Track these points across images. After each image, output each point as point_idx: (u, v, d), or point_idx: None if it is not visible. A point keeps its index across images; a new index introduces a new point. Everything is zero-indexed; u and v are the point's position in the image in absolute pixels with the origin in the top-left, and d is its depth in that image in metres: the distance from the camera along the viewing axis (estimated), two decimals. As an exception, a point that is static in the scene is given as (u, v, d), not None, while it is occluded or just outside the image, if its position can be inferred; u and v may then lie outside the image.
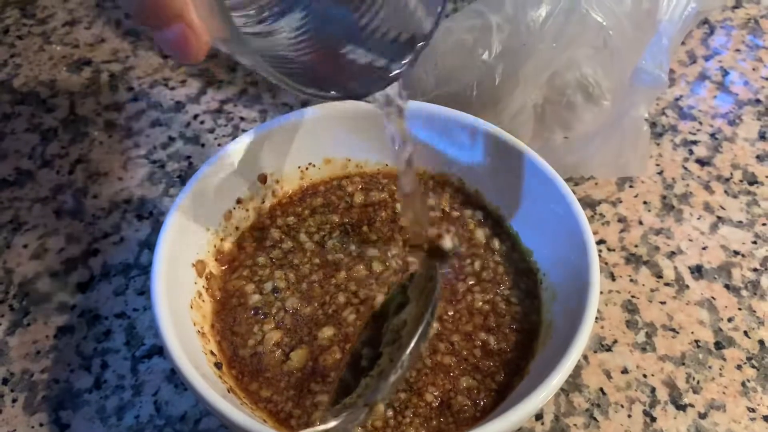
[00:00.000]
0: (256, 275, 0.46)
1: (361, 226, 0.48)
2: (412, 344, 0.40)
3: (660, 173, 0.58)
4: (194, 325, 0.41)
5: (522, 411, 0.34)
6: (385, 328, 0.42)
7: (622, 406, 0.45)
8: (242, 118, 0.63)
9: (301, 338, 0.42)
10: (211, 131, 0.62)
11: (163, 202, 0.57)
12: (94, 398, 0.45)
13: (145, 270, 0.52)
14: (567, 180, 0.56)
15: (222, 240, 0.47)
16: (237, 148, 0.46)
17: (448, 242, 0.45)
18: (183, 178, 0.58)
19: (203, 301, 0.43)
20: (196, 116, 0.63)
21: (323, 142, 0.50)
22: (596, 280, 0.39)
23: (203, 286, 0.44)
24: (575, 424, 0.44)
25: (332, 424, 0.37)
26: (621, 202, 0.56)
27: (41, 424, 0.44)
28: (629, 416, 0.44)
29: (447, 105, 0.52)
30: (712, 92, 0.65)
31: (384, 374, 0.39)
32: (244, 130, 0.61)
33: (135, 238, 0.54)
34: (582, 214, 0.43)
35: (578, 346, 0.37)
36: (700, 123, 0.62)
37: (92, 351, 0.48)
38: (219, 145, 0.61)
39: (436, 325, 0.43)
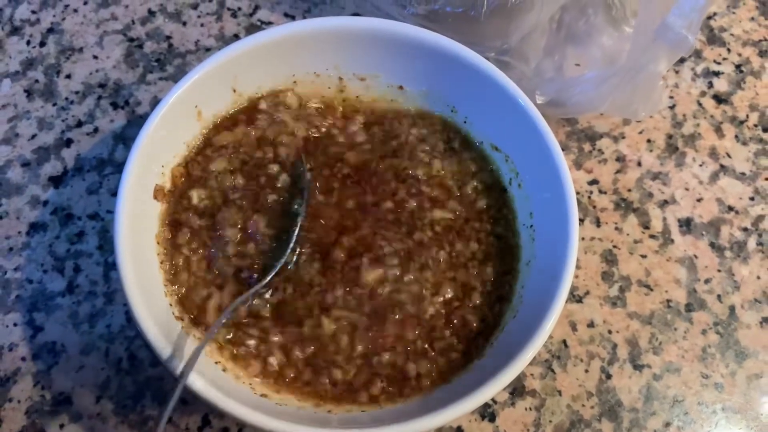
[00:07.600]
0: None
1: None
2: None
3: (672, 107, 0.54)
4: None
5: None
6: None
7: (582, 360, 0.46)
8: (230, -6, 0.57)
9: None
10: (195, 7, 0.57)
11: (139, 90, 0.53)
12: (67, 303, 0.46)
13: (120, 168, 0.50)
14: (570, 120, 0.53)
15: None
16: (211, 68, 0.43)
17: None
18: (162, 63, 0.54)
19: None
20: (179, -14, 0.58)
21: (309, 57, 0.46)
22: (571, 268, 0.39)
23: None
24: (532, 374, 0.45)
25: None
26: (624, 138, 0.53)
27: (15, 324, 0.45)
28: (586, 371, 0.46)
29: (448, 21, 0.47)
30: (749, 12, 0.59)
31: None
32: (229, 9, 0.56)
33: (110, 129, 0.52)
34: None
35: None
36: (729, 50, 0.57)
37: (65, 252, 0.47)
38: (202, 25, 0.56)
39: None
